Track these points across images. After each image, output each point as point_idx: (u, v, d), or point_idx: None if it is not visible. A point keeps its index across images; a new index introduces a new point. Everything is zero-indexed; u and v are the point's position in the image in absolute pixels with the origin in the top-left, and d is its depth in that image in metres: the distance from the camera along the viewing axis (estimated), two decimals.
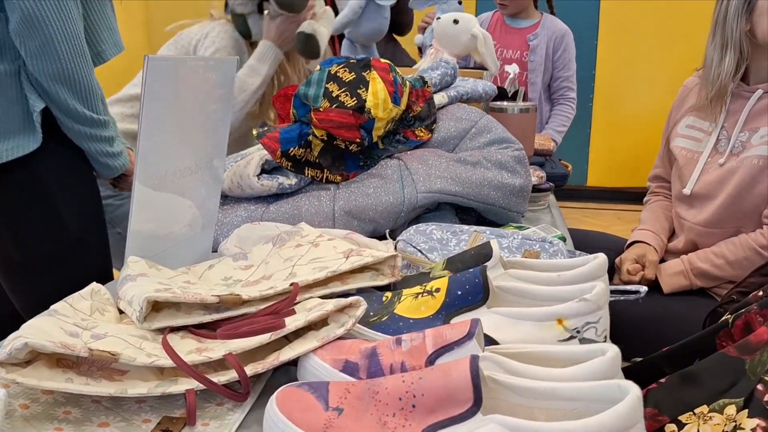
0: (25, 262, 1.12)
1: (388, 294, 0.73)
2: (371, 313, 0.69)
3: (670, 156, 1.56)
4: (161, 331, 0.62)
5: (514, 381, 0.50)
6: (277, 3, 1.64)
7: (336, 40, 2.51)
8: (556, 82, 2.53)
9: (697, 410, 0.74)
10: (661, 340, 1.31)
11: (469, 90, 1.29)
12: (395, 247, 0.92)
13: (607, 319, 0.65)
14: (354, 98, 1.04)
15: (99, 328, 0.58)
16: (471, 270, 0.70)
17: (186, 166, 0.85)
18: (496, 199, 1.09)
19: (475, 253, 0.79)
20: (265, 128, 1.11)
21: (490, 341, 0.63)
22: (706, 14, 1.51)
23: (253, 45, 1.76)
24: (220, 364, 0.59)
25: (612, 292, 0.80)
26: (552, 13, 2.57)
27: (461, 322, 0.57)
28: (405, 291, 0.72)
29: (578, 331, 0.64)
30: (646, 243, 1.52)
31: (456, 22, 1.58)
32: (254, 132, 1.09)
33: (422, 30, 2.36)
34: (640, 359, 0.91)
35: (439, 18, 1.63)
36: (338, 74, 1.06)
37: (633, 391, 0.45)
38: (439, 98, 1.23)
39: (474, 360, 0.49)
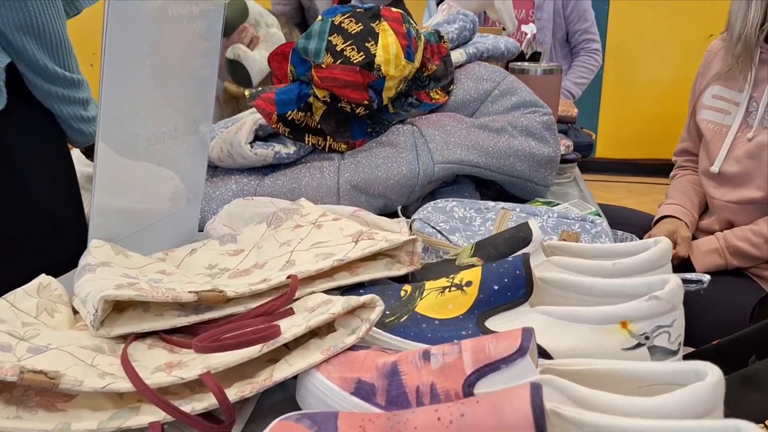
0: None
1: (407, 287, 0.60)
2: (387, 312, 0.57)
3: (697, 128, 1.45)
4: (124, 338, 0.49)
5: (587, 417, 0.37)
6: None
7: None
8: (575, 36, 2.37)
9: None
10: (698, 325, 1.20)
11: (490, 47, 1.14)
12: (410, 228, 0.79)
13: (682, 323, 0.52)
14: (361, 53, 0.90)
15: (40, 338, 0.45)
16: (510, 259, 0.57)
17: (165, 131, 0.73)
18: (522, 171, 0.96)
19: (510, 236, 0.65)
20: (260, 89, 0.96)
21: (539, 352, 0.50)
22: None
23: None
24: (198, 383, 0.46)
25: None
26: None
27: (509, 332, 0.44)
28: (428, 284, 0.58)
29: (647, 338, 0.51)
30: (676, 218, 1.41)
31: None
32: (246, 93, 0.95)
33: None
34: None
35: None
36: (343, 25, 0.92)
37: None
38: (457, 56, 1.09)
39: (536, 392, 0.36)
